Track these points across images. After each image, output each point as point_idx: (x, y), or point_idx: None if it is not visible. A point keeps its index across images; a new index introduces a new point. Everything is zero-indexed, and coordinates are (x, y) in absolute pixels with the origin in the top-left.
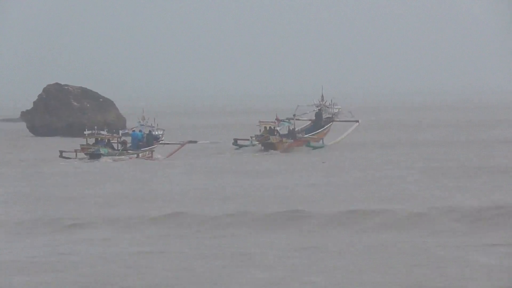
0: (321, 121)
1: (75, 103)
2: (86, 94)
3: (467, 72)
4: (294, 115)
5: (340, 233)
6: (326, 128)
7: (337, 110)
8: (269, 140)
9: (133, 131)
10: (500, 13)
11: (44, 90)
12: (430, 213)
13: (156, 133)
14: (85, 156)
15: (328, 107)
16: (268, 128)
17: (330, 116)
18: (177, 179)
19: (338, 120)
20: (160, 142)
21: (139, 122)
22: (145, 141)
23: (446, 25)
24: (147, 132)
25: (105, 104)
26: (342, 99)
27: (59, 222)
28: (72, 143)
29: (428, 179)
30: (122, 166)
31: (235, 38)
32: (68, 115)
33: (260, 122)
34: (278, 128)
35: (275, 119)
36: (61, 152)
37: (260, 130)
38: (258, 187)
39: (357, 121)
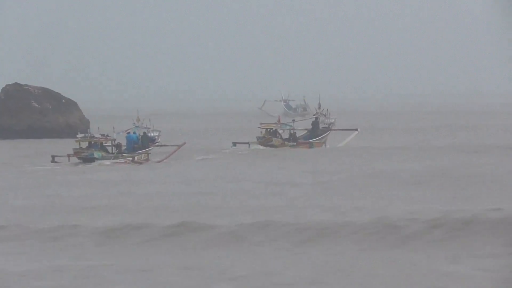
0: (317, 130)
1: (36, 104)
2: (47, 94)
3: (466, 74)
4: (293, 120)
5: (311, 247)
6: (324, 137)
7: (333, 120)
8: (271, 142)
9: (128, 133)
10: (499, 14)
11: (3, 90)
12: (407, 224)
13: (152, 134)
14: (79, 160)
15: (325, 115)
16: (270, 130)
17: (327, 126)
18: (153, 186)
19: (336, 129)
20: (156, 144)
21: (134, 123)
22: (140, 144)
23: (445, 26)
24: (141, 133)
25: (68, 106)
26: (341, 100)
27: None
28: (36, 145)
29: (411, 187)
30: (109, 171)
31: (233, 40)
32: (28, 116)
33: (261, 124)
34: (280, 131)
35: (277, 121)
36: (53, 156)
37: (261, 132)
38: (230, 195)
39: (356, 130)
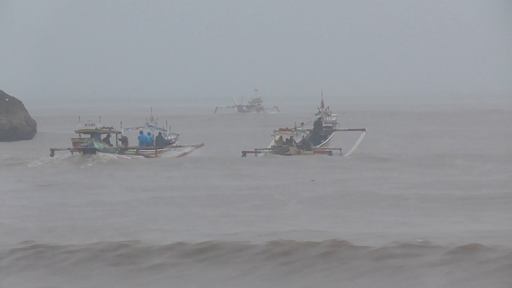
0: (320, 130)
1: None
2: None
3: (464, 76)
4: (302, 123)
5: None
6: (330, 139)
7: (335, 118)
8: (288, 152)
9: (141, 132)
10: (496, 15)
11: None
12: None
13: (169, 138)
14: (79, 152)
15: (329, 115)
16: (285, 138)
17: (330, 125)
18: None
19: (340, 129)
20: (172, 145)
21: (147, 123)
22: (154, 145)
23: (442, 28)
24: (156, 134)
25: (11, 105)
26: (337, 101)
27: None
28: None
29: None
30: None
31: (231, 40)
32: None
33: (275, 131)
34: (295, 139)
35: (293, 128)
36: (52, 150)
37: (275, 140)
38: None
39: (364, 130)
